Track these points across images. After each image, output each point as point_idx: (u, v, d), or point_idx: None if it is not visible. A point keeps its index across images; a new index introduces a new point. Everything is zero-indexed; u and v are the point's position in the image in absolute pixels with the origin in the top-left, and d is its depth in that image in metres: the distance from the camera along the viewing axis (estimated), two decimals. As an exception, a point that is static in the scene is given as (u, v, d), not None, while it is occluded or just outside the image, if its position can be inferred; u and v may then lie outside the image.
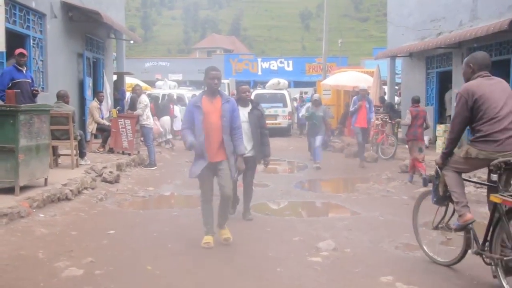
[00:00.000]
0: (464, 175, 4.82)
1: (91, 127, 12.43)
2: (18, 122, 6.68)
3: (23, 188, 6.95)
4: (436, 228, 5.14)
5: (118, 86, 17.45)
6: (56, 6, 12.47)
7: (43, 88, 11.72)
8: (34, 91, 8.91)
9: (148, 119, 12.18)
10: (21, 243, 5.39)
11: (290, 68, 41.65)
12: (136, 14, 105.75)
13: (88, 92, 14.35)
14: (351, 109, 13.58)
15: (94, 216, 7.02)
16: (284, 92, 22.47)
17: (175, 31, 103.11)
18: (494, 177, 4.35)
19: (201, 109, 5.56)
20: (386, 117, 15.13)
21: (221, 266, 4.94)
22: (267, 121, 7.62)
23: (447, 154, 4.78)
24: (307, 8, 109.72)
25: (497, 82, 4.66)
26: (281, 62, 42.37)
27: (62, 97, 9.94)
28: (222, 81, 38.06)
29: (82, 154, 10.02)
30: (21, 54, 8.77)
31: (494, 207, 4.30)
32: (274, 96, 22.00)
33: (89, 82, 14.53)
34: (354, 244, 5.81)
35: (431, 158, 12.68)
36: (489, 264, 4.38)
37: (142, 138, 12.77)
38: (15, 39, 10.52)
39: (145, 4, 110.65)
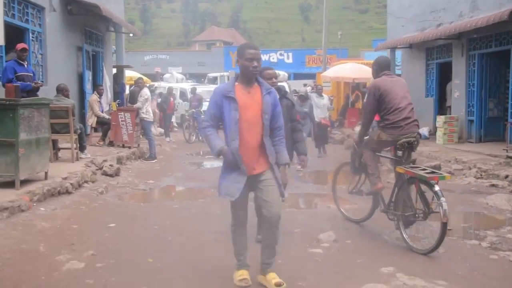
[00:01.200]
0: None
1: (91, 121, 12.42)
2: (18, 116, 6.65)
3: (24, 182, 6.94)
4: (350, 192, 6.57)
5: (117, 80, 17.42)
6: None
7: (42, 81, 11.68)
8: (35, 84, 8.83)
9: (148, 113, 12.16)
10: (22, 237, 5.38)
11: (290, 60, 41.54)
12: (135, 7, 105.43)
13: (88, 86, 14.32)
14: (365, 101, 12.90)
15: (94, 209, 7.02)
16: (284, 84, 22.43)
17: (175, 24, 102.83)
18: (399, 153, 5.71)
19: (236, 102, 4.02)
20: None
21: (222, 258, 4.93)
22: None
23: (362, 135, 6.10)
24: (306, 0, 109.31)
25: (397, 80, 5.87)
26: (281, 54, 42.25)
27: (61, 91, 9.93)
28: (222, 73, 37.71)
29: (82, 148, 10.01)
30: (24, 50, 8.75)
31: (398, 176, 5.61)
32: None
33: (88, 75, 14.50)
34: (354, 235, 5.82)
35: (431, 149, 12.66)
36: (392, 219, 5.70)
37: (142, 131, 12.76)
38: (14, 33, 10.48)
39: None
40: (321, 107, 13.51)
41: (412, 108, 5.68)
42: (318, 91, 14.58)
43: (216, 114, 4.11)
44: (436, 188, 5.04)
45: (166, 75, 27.03)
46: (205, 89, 22.49)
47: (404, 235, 5.42)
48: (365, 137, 6.08)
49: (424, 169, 5.37)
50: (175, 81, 24.96)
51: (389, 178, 9.72)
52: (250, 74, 4.06)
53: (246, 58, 4.05)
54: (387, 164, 11.02)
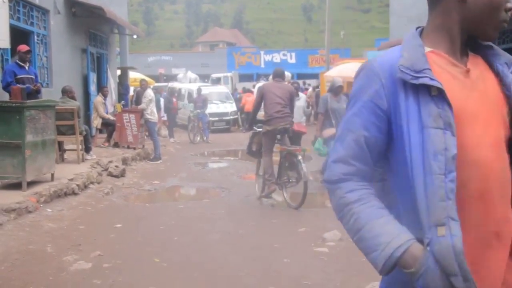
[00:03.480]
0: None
1: (96, 122, 12.45)
2: (24, 118, 6.68)
3: (30, 184, 6.98)
4: (257, 174, 7.96)
5: (122, 81, 17.46)
6: (60, 2, 12.45)
7: (47, 84, 11.72)
8: (34, 87, 8.72)
9: (152, 114, 12.18)
10: (30, 238, 5.41)
11: (293, 61, 41.48)
12: (138, 9, 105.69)
13: (92, 87, 14.36)
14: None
15: (101, 210, 7.04)
16: (287, 84, 22.48)
17: (178, 26, 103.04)
18: (279, 137, 7.44)
19: (447, 102, 1.32)
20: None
21: (228, 258, 4.96)
22: None
23: (251, 123, 7.88)
24: (309, 0, 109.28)
25: (283, 85, 7.65)
26: (283, 55, 42.21)
27: (67, 93, 9.95)
28: (225, 74, 37.29)
29: (87, 149, 10.04)
30: (28, 51, 8.75)
31: (280, 153, 7.40)
32: (278, 88, 21.95)
33: (93, 77, 14.54)
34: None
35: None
36: (280, 188, 7.38)
37: (147, 132, 12.79)
38: (19, 36, 10.52)
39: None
40: (296, 109, 9.66)
41: (286, 105, 7.39)
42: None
43: (373, 138, 1.44)
44: (299, 157, 7.02)
45: (180, 75, 26.79)
46: (213, 90, 22.24)
47: (285, 196, 7.33)
48: (258, 129, 7.69)
49: (295, 147, 7.39)
50: (188, 81, 24.79)
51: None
52: (492, 29, 1.47)
53: None
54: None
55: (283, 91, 7.49)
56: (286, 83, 9.59)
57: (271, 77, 22.42)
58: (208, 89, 21.45)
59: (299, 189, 7.14)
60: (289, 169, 7.26)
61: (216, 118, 20.37)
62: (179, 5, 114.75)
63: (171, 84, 23.96)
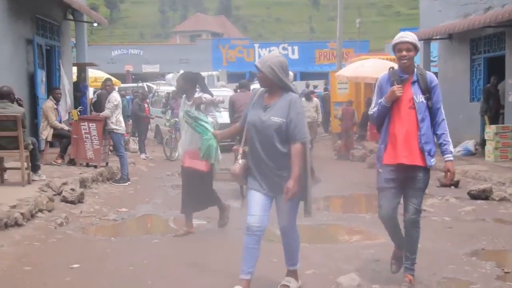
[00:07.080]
0: None
1: (46, 133, 12.39)
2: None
3: (-39, 212, 6.93)
4: None
5: (79, 81, 17.45)
6: (-1, -19, 12.46)
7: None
8: None
9: (119, 123, 12.12)
10: (-40, 282, 5.37)
11: (296, 56, 41.77)
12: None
13: (41, 89, 14.31)
14: (370, 111, 7.14)
15: (52, 246, 7.00)
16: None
17: (150, 11, 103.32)
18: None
19: None
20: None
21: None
22: None
23: None
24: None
25: (247, 95, 10.56)
26: (284, 49, 42.46)
27: (7, 96, 9.82)
28: (210, 72, 36.87)
29: (35, 168, 9.98)
30: None
31: None
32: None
33: (42, 75, 14.50)
34: (383, 278, 5.79)
35: (479, 168, 12.66)
36: None
37: (111, 147, 12.74)
38: None
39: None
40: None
41: None
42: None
43: None
44: None
45: (169, 76, 26.65)
46: (218, 94, 21.25)
47: None
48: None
49: None
50: None
51: (426, 205, 9.77)
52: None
53: None
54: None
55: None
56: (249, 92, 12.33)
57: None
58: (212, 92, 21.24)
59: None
60: None
61: None
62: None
63: (156, 87, 23.46)
